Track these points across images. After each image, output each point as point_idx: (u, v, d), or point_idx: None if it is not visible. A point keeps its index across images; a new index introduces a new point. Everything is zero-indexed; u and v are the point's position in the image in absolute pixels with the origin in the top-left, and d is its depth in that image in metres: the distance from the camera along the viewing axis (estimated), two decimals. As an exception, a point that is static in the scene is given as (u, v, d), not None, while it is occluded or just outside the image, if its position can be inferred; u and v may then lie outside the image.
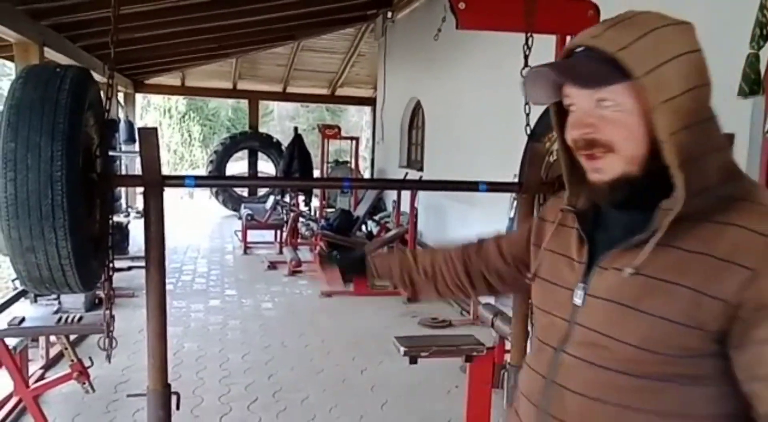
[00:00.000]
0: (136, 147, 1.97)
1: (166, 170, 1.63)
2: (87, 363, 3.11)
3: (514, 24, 2.42)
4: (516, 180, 2.33)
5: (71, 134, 1.42)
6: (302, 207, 9.25)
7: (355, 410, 3.70)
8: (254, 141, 12.65)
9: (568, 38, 2.54)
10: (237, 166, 13.98)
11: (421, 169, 8.44)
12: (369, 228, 8.05)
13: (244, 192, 12.58)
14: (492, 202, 4.14)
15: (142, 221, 1.73)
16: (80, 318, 3.22)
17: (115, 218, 2.04)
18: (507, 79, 2.54)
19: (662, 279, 0.87)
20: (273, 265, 7.61)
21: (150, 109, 20.80)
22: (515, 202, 3.03)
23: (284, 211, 8.86)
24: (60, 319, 3.20)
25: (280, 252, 8.35)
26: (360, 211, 8.04)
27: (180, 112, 22.02)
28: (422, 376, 4.04)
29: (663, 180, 0.87)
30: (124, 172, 9.91)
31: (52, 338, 3.95)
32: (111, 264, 1.83)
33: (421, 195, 7.53)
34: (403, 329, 4.90)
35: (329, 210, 9.51)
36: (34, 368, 3.89)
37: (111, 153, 8.76)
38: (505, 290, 1.38)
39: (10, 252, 1.45)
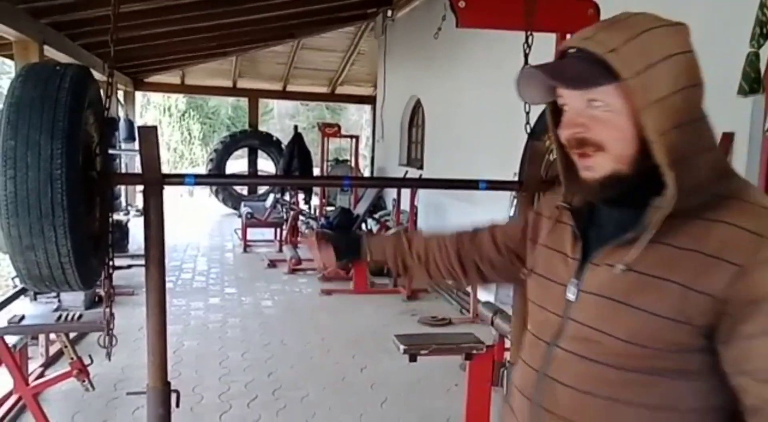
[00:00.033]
0: (136, 145, 1.97)
1: (165, 168, 1.64)
2: (87, 361, 3.11)
3: (514, 22, 2.43)
4: (516, 178, 2.34)
5: (71, 132, 1.42)
6: (302, 205, 9.25)
7: (354, 408, 3.70)
8: (254, 139, 12.65)
9: (568, 37, 2.54)
10: (237, 164, 13.97)
11: (421, 168, 8.44)
12: (369, 227, 8.04)
13: (244, 190, 12.59)
14: (492, 201, 4.14)
15: (141, 219, 1.73)
16: (80, 316, 3.22)
17: (115, 216, 2.05)
18: (507, 77, 2.54)
19: (653, 275, 0.89)
20: (273, 263, 7.61)
21: (150, 108, 20.78)
22: (515, 201, 3.03)
23: (284, 210, 8.86)
24: (60, 317, 3.20)
25: (280, 250, 8.36)
26: (360, 210, 8.04)
27: (180, 111, 22.00)
28: (422, 374, 4.05)
29: (655, 178, 0.89)
30: (123, 171, 9.92)
31: (52, 336, 3.95)
32: (111, 263, 1.83)
33: (421, 193, 7.53)
34: (403, 327, 4.91)
35: (329, 208, 9.51)
36: (33, 366, 3.90)
37: (111, 151, 8.76)
38: (496, 279, 1.40)
39: (9, 250, 1.45)
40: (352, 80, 13.11)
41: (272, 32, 9.42)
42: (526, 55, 2.26)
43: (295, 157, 9.27)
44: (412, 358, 3.01)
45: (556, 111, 1.00)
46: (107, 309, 1.88)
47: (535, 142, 2.06)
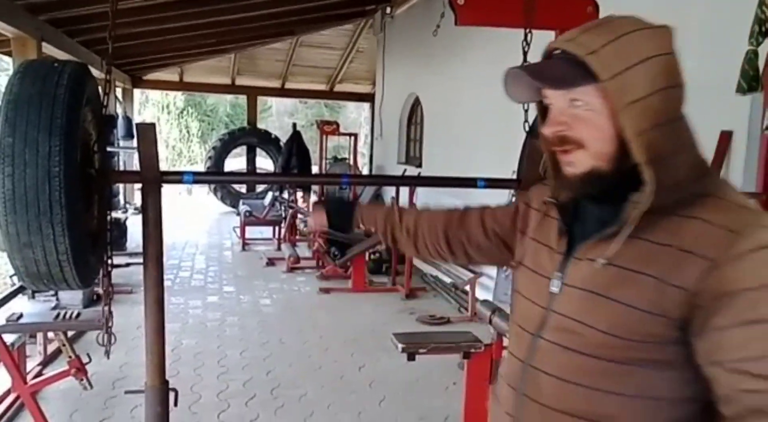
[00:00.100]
0: (135, 143, 1.97)
1: (164, 166, 1.63)
2: (85, 360, 3.11)
3: (513, 20, 2.42)
4: (514, 176, 2.33)
5: (69, 130, 1.42)
6: (301, 203, 9.24)
7: (353, 406, 3.70)
8: (253, 137, 12.64)
9: (568, 35, 2.53)
10: (235, 162, 13.97)
11: (419, 166, 8.43)
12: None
13: (242, 188, 12.58)
14: (490, 199, 4.14)
15: (140, 217, 1.72)
16: (78, 315, 3.21)
17: (113, 214, 2.04)
18: (506, 75, 2.54)
19: (631, 270, 0.92)
20: (271, 262, 7.61)
21: (148, 105, 20.75)
22: (514, 199, 3.03)
23: (283, 208, 8.86)
24: (58, 315, 3.19)
25: (279, 248, 8.36)
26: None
27: (178, 108, 21.97)
28: (420, 373, 4.05)
29: (634, 176, 0.92)
30: (122, 168, 9.90)
31: (50, 334, 3.95)
32: (109, 261, 1.83)
33: (420, 191, 7.52)
34: (401, 326, 4.91)
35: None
36: (31, 364, 3.89)
37: (109, 148, 8.74)
38: (482, 261, 1.42)
39: (7, 247, 1.44)
40: (350, 78, 13.10)
41: (271, 29, 9.40)
42: (525, 53, 2.25)
43: (293, 155, 9.26)
44: (411, 357, 3.01)
45: (544, 110, 1.03)
46: (106, 308, 1.88)
47: (533, 140, 2.06)
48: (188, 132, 22.13)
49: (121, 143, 10.09)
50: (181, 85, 13.23)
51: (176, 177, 1.82)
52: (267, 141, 12.59)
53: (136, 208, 10.32)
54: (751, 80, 2.70)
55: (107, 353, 1.97)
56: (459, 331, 3.48)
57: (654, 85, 0.90)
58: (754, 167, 3.02)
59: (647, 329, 0.91)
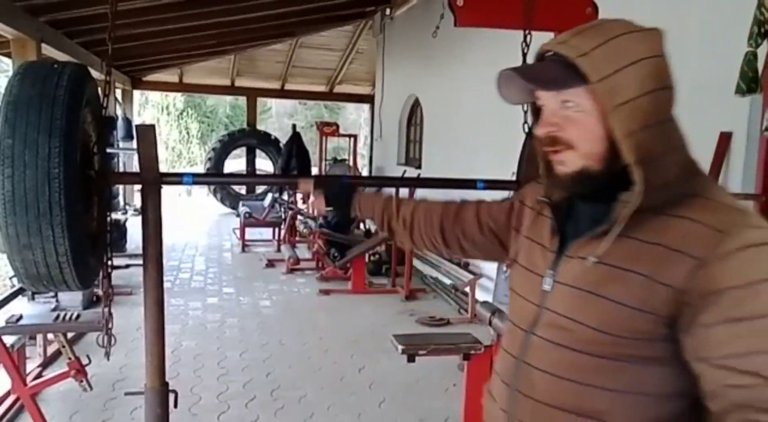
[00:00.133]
0: (134, 144, 1.97)
1: (163, 167, 1.64)
2: (84, 361, 3.10)
3: (513, 21, 2.42)
4: (514, 178, 2.34)
5: (69, 131, 1.42)
6: (300, 204, 9.24)
7: (353, 408, 3.70)
8: (252, 138, 12.64)
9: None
10: (235, 163, 13.97)
11: (419, 167, 8.43)
12: (367, 226, 8.04)
13: (242, 189, 12.58)
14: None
15: (139, 218, 1.72)
16: (78, 316, 3.21)
17: (113, 215, 2.04)
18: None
19: (620, 268, 0.94)
20: (271, 263, 7.61)
21: (148, 106, 20.76)
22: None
23: (282, 209, 8.85)
24: (57, 317, 3.20)
25: (278, 250, 8.36)
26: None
27: (178, 109, 21.99)
28: (420, 374, 4.05)
29: (625, 175, 0.94)
30: (121, 169, 9.90)
31: (50, 336, 3.94)
32: (109, 262, 1.83)
33: (419, 192, 7.52)
34: (401, 327, 4.91)
35: (327, 208, 9.49)
36: (31, 366, 3.89)
37: (109, 150, 8.74)
38: (476, 255, 1.43)
39: (7, 249, 1.44)
40: (350, 79, 13.11)
41: (271, 30, 9.41)
42: (524, 55, 2.26)
43: (293, 156, 9.28)
44: (411, 358, 3.01)
45: (537, 111, 1.05)
46: (105, 309, 1.88)
47: (533, 142, 2.06)
48: (188, 133, 22.15)
49: (121, 144, 10.09)
50: (180, 87, 13.25)
51: (176, 178, 1.82)
52: (267, 142, 12.60)
53: (135, 210, 10.32)
54: (750, 82, 2.71)
55: (107, 354, 1.96)
56: (459, 333, 3.48)
57: (643, 87, 0.92)
58: (753, 168, 3.02)
59: (636, 326, 0.93)
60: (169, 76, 12.35)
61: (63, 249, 1.44)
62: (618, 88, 0.91)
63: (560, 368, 0.99)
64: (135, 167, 5.74)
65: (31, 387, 3.24)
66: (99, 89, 1.72)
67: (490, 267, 5.48)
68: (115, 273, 1.90)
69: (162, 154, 18.55)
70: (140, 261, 1.75)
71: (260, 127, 13.69)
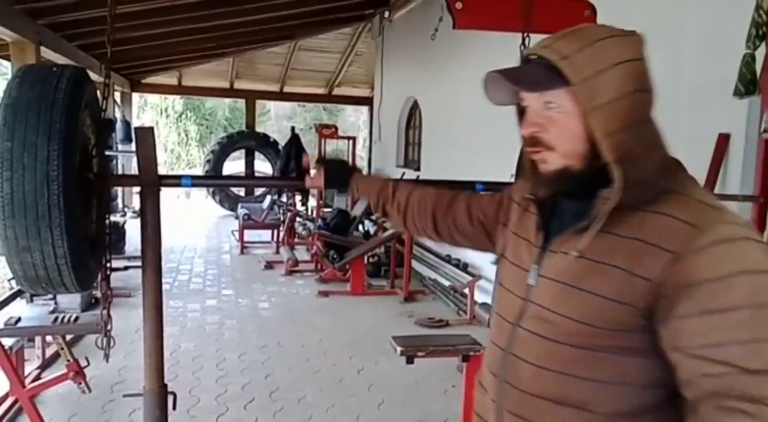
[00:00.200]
0: (133, 146, 1.97)
1: (162, 170, 1.64)
2: (83, 363, 3.10)
3: (511, 24, 2.43)
4: (513, 180, 2.34)
5: (68, 134, 1.42)
6: (299, 206, 9.24)
7: (352, 410, 3.70)
8: (251, 140, 12.64)
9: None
10: (234, 165, 13.97)
11: (418, 169, 8.44)
12: (366, 228, 8.04)
13: (241, 191, 12.58)
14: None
15: (138, 221, 1.72)
16: (76, 318, 3.21)
17: (112, 218, 2.04)
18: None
19: (600, 262, 0.98)
20: (270, 265, 7.61)
21: (147, 109, 20.76)
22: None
23: (281, 211, 8.85)
24: (56, 319, 3.19)
25: (277, 252, 8.35)
26: (357, 211, 8.03)
27: (177, 112, 21.98)
28: (419, 376, 4.05)
29: (606, 174, 0.97)
30: (120, 172, 9.90)
31: (49, 338, 3.94)
32: (108, 264, 1.83)
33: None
34: (400, 329, 4.91)
35: (326, 209, 9.50)
36: (30, 368, 3.88)
37: (108, 152, 8.73)
38: (466, 245, 1.46)
39: (6, 251, 1.44)
40: (349, 81, 13.12)
41: (269, 33, 9.42)
42: (522, 57, 2.26)
43: (292, 159, 9.27)
44: (410, 360, 3.01)
45: (522, 112, 1.09)
46: (104, 311, 1.88)
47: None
48: (187, 135, 22.14)
49: (120, 147, 10.08)
50: (179, 89, 13.24)
51: (175, 180, 1.82)
52: (265, 144, 12.60)
53: (134, 212, 10.32)
54: (748, 84, 2.71)
55: (106, 357, 1.96)
56: (458, 334, 3.49)
57: (622, 89, 0.95)
58: (751, 170, 3.03)
59: (616, 317, 0.96)
60: (168, 78, 12.36)
61: (62, 251, 1.44)
62: (598, 90, 0.95)
63: (545, 359, 1.03)
64: (134, 169, 5.74)
65: (30, 389, 3.24)
66: (98, 92, 1.72)
67: (489, 269, 5.48)
68: (113, 276, 1.90)
69: (161, 156, 18.54)
70: (139, 264, 1.75)
71: (259, 129, 13.70)
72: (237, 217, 9.48)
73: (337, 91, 13.40)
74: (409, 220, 1.48)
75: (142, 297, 1.74)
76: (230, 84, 12.76)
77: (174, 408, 1.81)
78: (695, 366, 0.90)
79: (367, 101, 13.03)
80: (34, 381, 3.61)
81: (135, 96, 13.18)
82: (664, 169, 1.00)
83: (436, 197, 1.44)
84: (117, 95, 11.11)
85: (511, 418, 1.09)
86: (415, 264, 6.85)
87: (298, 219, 8.71)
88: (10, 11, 4.87)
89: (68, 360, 3.06)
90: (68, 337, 3.28)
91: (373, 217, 8.20)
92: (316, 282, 6.83)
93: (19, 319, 3.14)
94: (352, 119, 23.00)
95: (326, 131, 9.96)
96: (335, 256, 6.89)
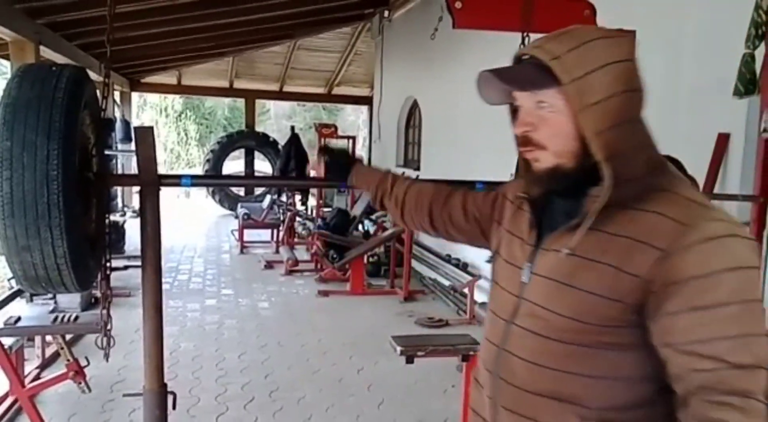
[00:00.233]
0: (133, 146, 1.97)
1: (162, 169, 1.63)
2: (83, 363, 3.10)
3: (511, 24, 2.43)
4: (512, 179, 2.34)
5: (67, 133, 1.42)
6: (299, 206, 9.24)
7: (351, 409, 3.70)
8: (251, 140, 12.64)
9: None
10: (233, 165, 13.96)
11: (418, 168, 8.44)
12: (366, 228, 8.04)
13: (240, 191, 12.57)
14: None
15: (138, 220, 1.72)
16: (76, 318, 3.21)
17: (112, 217, 2.04)
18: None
19: (591, 259, 1.00)
20: (270, 265, 7.61)
21: (146, 108, 20.74)
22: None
23: (281, 211, 8.85)
24: (56, 319, 3.19)
25: (277, 251, 8.35)
26: (357, 210, 8.03)
27: (176, 111, 21.96)
28: (419, 376, 4.05)
29: (596, 172, 0.99)
30: (120, 171, 9.89)
31: (48, 337, 3.94)
32: (108, 264, 1.83)
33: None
34: (400, 328, 4.91)
35: (326, 209, 9.51)
36: (29, 368, 3.88)
37: (107, 152, 8.73)
38: (461, 241, 1.47)
39: (5, 251, 1.44)
40: (348, 81, 13.11)
41: (269, 33, 9.41)
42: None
43: (292, 158, 9.27)
44: (409, 360, 3.01)
45: (515, 111, 1.10)
46: (104, 311, 1.88)
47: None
48: (186, 135, 22.13)
49: (120, 146, 10.07)
50: (179, 88, 13.22)
51: (174, 180, 1.82)
52: (265, 144, 12.59)
53: (134, 211, 10.31)
54: (747, 83, 2.72)
55: (106, 356, 1.96)
56: (457, 334, 3.49)
57: (612, 89, 0.97)
58: (751, 170, 3.03)
59: (606, 313, 0.98)
60: (168, 77, 12.35)
61: (61, 251, 1.44)
62: (588, 90, 0.97)
63: (538, 356, 1.05)
64: (133, 169, 5.73)
65: (30, 388, 3.24)
66: (97, 91, 1.72)
67: (488, 269, 5.47)
68: (113, 275, 1.90)
69: (160, 155, 18.55)
70: (139, 263, 1.75)
71: (259, 128, 13.70)
72: (237, 217, 9.48)
73: (336, 91, 13.39)
74: (407, 214, 1.50)
75: (141, 297, 1.74)
76: (230, 83, 12.75)
77: (174, 407, 1.81)
78: (685, 361, 0.92)
79: (366, 101, 13.03)
80: (33, 380, 3.61)
81: (134, 95, 13.16)
82: (653, 167, 1.01)
83: (433, 192, 1.46)
84: (116, 94, 11.11)
85: (505, 414, 1.10)
86: (414, 263, 6.85)
87: (297, 218, 8.71)
88: (9, 10, 4.87)
89: (68, 360, 3.06)
90: (68, 337, 3.28)
91: (373, 217, 8.21)
92: (315, 282, 6.83)
93: (18, 319, 3.15)
94: (352, 118, 23.00)
95: (326, 130, 9.95)
96: (335, 256, 6.89)
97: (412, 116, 9.32)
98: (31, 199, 1.38)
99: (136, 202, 10.43)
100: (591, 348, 1.00)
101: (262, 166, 13.54)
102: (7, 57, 5.74)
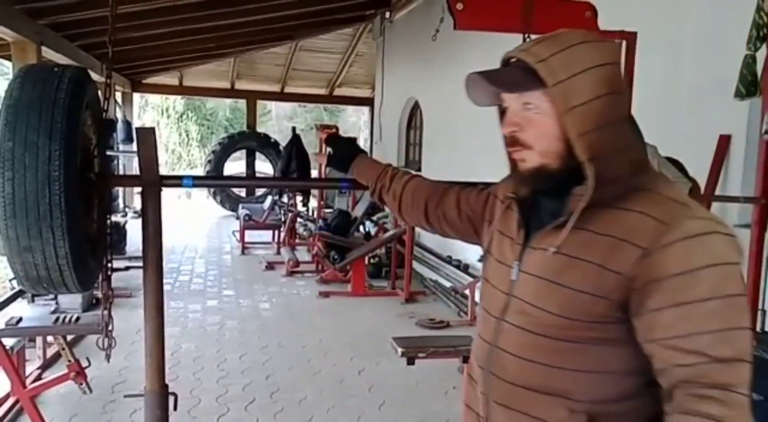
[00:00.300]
0: (134, 146, 1.97)
1: (163, 170, 1.65)
2: (84, 364, 3.11)
3: (512, 25, 2.43)
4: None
5: (69, 134, 1.42)
6: (300, 207, 9.24)
7: (352, 410, 3.70)
8: (252, 141, 12.64)
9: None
10: (235, 165, 13.97)
11: (419, 169, 8.44)
12: (367, 229, 8.04)
13: (241, 192, 12.58)
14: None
15: (139, 221, 1.72)
16: (77, 319, 3.22)
17: (113, 218, 2.04)
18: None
19: (576, 257, 1.03)
20: (271, 266, 7.61)
21: (148, 109, 20.78)
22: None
23: (282, 212, 8.85)
24: (57, 319, 3.20)
25: (278, 252, 8.36)
26: (358, 212, 8.03)
27: (178, 112, 22.00)
28: (420, 377, 4.05)
29: (581, 172, 1.02)
30: (121, 172, 9.90)
31: (50, 338, 3.94)
32: (109, 264, 1.83)
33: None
34: (401, 330, 4.91)
35: (327, 210, 9.50)
36: (31, 368, 3.88)
37: (109, 153, 8.74)
38: (455, 237, 1.50)
39: (7, 251, 1.44)
40: (350, 82, 13.12)
41: (270, 34, 9.42)
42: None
43: (293, 159, 9.25)
44: (410, 361, 3.02)
45: (503, 112, 1.14)
46: (105, 312, 1.88)
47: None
48: (188, 136, 22.16)
49: (121, 147, 10.08)
50: (180, 89, 13.24)
51: (176, 181, 1.81)
52: (266, 145, 12.60)
53: (135, 212, 10.32)
54: (749, 85, 2.71)
55: (107, 357, 1.96)
56: (458, 335, 3.49)
57: (595, 91, 1.00)
58: (752, 171, 3.03)
59: (592, 310, 1.01)
60: (169, 78, 12.36)
61: (63, 251, 1.44)
62: (572, 92, 1.00)
63: (528, 351, 1.08)
64: (135, 170, 5.74)
65: (31, 389, 3.24)
66: (99, 92, 1.72)
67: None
68: (114, 276, 1.90)
69: (162, 156, 18.56)
70: (140, 264, 1.75)
71: (260, 129, 13.69)
72: (238, 218, 9.48)
73: (338, 92, 13.40)
74: (404, 209, 1.53)
75: (143, 298, 1.74)
76: (231, 84, 12.76)
77: (175, 408, 1.81)
78: (669, 356, 0.95)
79: (368, 102, 13.03)
80: (35, 381, 3.61)
81: (136, 96, 13.18)
82: (636, 168, 1.04)
83: (430, 189, 1.50)
84: (118, 95, 11.12)
85: (498, 408, 1.13)
86: (415, 265, 6.85)
87: (299, 219, 8.71)
88: (11, 11, 4.88)
89: (69, 361, 3.06)
90: (69, 337, 3.28)
91: (374, 218, 8.21)
92: (316, 283, 6.83)
93: (20, 319, 3.15)
94: (353, 119, 23.02)
95: (327, 131, 9.94)
96: (336, 257, 6.89)
97: (414, 117, 9.33)
98: (32, 200, 1.38)
99: (137, 203, 10.44)
100: (579, 344, 1.03)
101: (264, 166, 13.55)
102: (8, 57, 5.75)
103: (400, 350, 2.99)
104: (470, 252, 5.91)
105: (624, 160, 1.02)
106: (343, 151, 1.72)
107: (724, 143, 3.25)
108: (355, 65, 12.34)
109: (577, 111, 1.00)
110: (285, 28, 9.11)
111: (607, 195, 1.01)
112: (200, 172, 15.16)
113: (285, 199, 8.91)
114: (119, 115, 10.82)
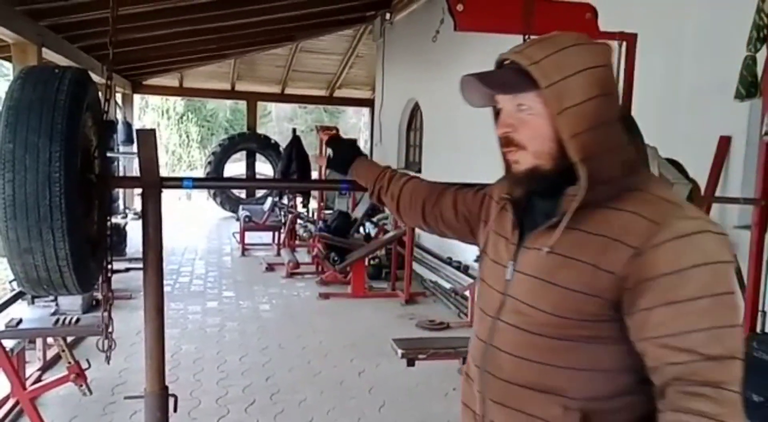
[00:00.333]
0: (134, 148, 1.97)
1: (163, 171, 1.65)
2: (84, 365, 3.10)
3: (512, 26, 2.43)
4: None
5: (69, 135, 1.42)
6: (300, 208, 9.24)
7: (352, 412, 3.70)
8: (252, 142, 12.64)
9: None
10: (235, 167, 13.98)
11: (419, 171, 8.44)
12: (367, 230, 8.04)
13: (242, 193, 12.58)
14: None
15: (139, 222, 1.72)
16: (77, 320, 3.22)
17: (113, 219, 2.04)
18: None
19: (569, 257, 1.04)
20: (271, 267, 7.61)
21: (148, 110, 20.77)
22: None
23: (282, 213, 8.85)
24: (57, 321, 3.20)
25: (278, 254, 8.36)
26: (358, 213, 8.04)
27: (178, 113, 21.99)
28: (420, 378, 4.04)
29: (573, 173, 1.03)
30: (121, 173, 9.90)
31: (50, 340, 3.94)
32: (109, 266, 1.83)
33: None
34: (401, 331, 4.91)
35: (327, 212, 9.50)
36: (31, 370, 3.88)
37: (109, 154, 8.73)
38: (453, 237, 1.51)
39: (7, 253, 1.44)
40: (350, 83, 13.12)
41: (271, 35, 9.42)
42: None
43: (293, 160, 9.25)
44: (410, 362, 3.02)
45: (498, 114, 1.15)
46: (105, 313, 1.88)
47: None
48: (188, 137, 22.15)
49: (121, 148, 10.08)
50: (180, 91, 13.25)
51: (176, 182, 1.82)
52: (266, 146, 12.60)
53: (135, 213, 10.31)
54: (749, 86, 2.71)
55: (107, 359, 1.96)
56: (458, 337, 3.49)
57: (588, 93, 1.02)
58: (753, 172, 3.03)
59: (584, 309, 1.02)
60: (170, 80, 12.36)
61: (63, 253, 1.44)
62: (565, 94, 1.01)
63: (522, 350, 1.09)
64: (135, 171, 5.74)
65: (31, 391, 3.24)
66: (99, 93, 1.72)
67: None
68: (115, 277, 1.90)
69: (162, 158, 18.49)
70: (140, 265, 1.75)
71: (260, 130, 13.70)
72: (238, 219, 9.48)
73: (338, 93, 13.40)
74: (402, 210, 1.55)
75: (143, 299, 1.74)
76: (231, 85, 12.76)
77: (175, 410, 1.81)
78: (661, 354, 0.97)
79: (368, 103, 13.03)
80: (35, 383, 3.61)
81: (136, 97, 13.18)
82: (628, 168, 1.05)
83: (427, 190, 1.51)
84: (118, 96, 11.12)
85: (494, 406, 1.15)
86: (415, 266, 6.85)
87: (299, 221, 8.71)
88: (11, 12, 4.88)
89: (69, 362, 3.06)
90: (69, 339, 3.28)
91: (374, 220, 8.21)
92: (317, 285, 6.83)
93: (20, 321, 3.15)
94: (353, 121, 23.01)
95: (327, 133, 9.94)
96: (336, 258, 6.89)
97: (414, 119, 9.33)
98: (33, 201, 1.38)
99: (137, 204, 10.45)
100: (573, 342, 1.04)
101: (264, 168, 13.55)
102: (9, 59, 5.75)
103: (400, 351, 2.99)
104: (470, 254, 5.91)
105: (616, 160, 1.04)
106: (344, 152, 1.74)
107: (724, 144, 3.25)
108: (355, 66, 12.35)
109: (569, 112, 1.01)
110: (285, 29, 9.12)
111: (600, 195, 1.02)
112: (200, 173, 15.16)
113: (285, 201, 8.91)
114: (119, 116, 10.83)
